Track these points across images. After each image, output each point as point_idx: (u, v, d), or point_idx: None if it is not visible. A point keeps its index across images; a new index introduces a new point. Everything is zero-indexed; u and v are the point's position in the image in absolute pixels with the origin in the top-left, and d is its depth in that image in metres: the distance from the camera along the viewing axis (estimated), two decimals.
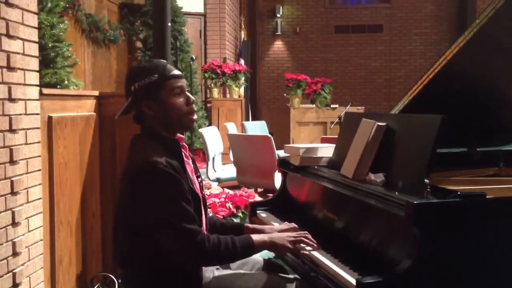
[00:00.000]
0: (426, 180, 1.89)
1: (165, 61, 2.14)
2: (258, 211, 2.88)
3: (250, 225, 2.37)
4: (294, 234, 2.14)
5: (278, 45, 13.00)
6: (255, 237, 2.07)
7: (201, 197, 2.11)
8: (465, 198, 1.81)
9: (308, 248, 2.12)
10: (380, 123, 2.23)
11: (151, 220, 1.92)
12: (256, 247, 2.05)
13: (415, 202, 1.75)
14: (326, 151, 2.73)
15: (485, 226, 1.82)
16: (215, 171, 5.93)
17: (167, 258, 1.96)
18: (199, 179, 2.19)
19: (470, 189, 2.12)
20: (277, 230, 2.28)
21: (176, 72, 2.07)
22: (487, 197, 1.84)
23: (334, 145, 2.73)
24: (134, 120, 2.12)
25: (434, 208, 1.78)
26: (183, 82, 2.08)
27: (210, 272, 2.11)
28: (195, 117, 2.11)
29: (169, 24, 3.55)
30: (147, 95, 2.02)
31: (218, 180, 5.77)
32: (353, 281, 1.78)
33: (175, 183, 1.92)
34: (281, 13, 12.77)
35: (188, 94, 2.09)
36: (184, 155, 2.08)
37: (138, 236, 1.97)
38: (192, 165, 2.16)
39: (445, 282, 1.77)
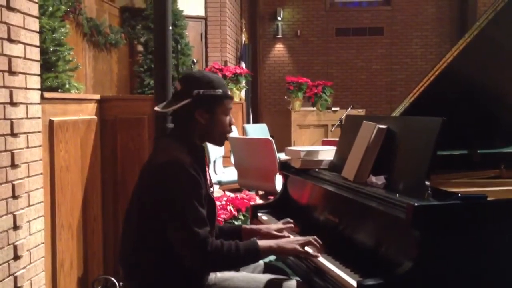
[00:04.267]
0: (427, 182, 1.89)
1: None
2: (259, 214, 2.89)
3: (247, 226, 2.42)
4: (301, 238, 2.16)
5: (279, 48, 12.99)
6: (261, 242, 2.08)
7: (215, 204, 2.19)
8: (466, 200, 1.81)
9: (315, 253, 2.11)
10: (381, 126, 2.23)
11: (164, 214, 1.97)
12: (261, 252, 2.05)
13: (416, 204, 1.75)
14: (327, 154, 2.74)
15: (486, 228, 1.82)
16: (216, 174, 5.93)
17: (173, 255, 1.99)
18: (211, 189, 2.22)
19: (471, 191, 2.12)
20: (273, 229, 2.33)
21: (231, 94, 2.24)
22: (488, 199, 1.84)
23: (335, 148, 2.74)
24: (172, 118, 2.18)
25: (435, 210, 1.78)
26: (232, 105, 2.22)
27: (213, 273, 2.13)
28: (228, 136, 2.28)
29: (170, 28, 3.55)
30: (206, 104, 2.11)
31: (219, 183, 5.77)
32: (354, 283, 1.78)
33: (195, 185, 1.99)
34: (281, 16, 12.78)
35: (231, 117, 2.23)
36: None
37: (149, 230, 2.02)
38: (208, 174, 2.21)
39: (447, 284, 1.77)
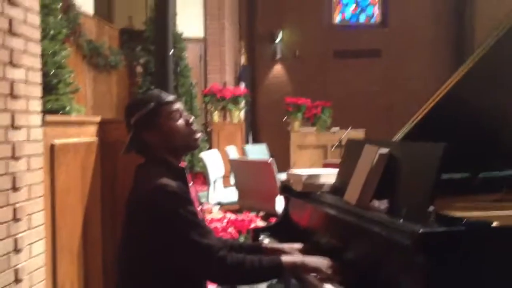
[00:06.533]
0: (431, 207, 1.88)
1: (159, 89, 2.18)
2: (261, 237, 2.87)
3: (269, 245, 2.37)
4: (325, 259, 2.10)
5: (278, 69, 13.06)
6: (285, 258, 2.04)
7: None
8: (471, 226, 1.80)
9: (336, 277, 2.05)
10: (382, 151, 2.23)
11: (167, 242, 1.90)
12: (285, 268, 2.00)
13: (420, 230, 1.74)
14: (329, 177, 2.73)
15: (492, 254, 1.80)
16: (216, 195, 5.92)
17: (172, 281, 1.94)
18: (199, 207, 2.19)
19: (475, 216, 2.11)
20: (296, 248, 2.29)
21: (171, 97, 2.11)
22: (493, 225, 1.83)
23: (336, 171, 2.73)
24: (137, 153, 2.12)
25: (439, 236, 1.76)
26: (179, 105, 2.11)
27: None
28: (198, 135, 2.13)
29: (172, 50, 3.59)
30: (146, 124, 2.05)
31: (219, 203, 5.76)
32: None
33: (188, 203, 1.94)
34: (280, 37, 12.85)
35: (186, 115, 2.11)
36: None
37: (147, 264, 1.95)
38: (194, 193, 2.16)
39: None
